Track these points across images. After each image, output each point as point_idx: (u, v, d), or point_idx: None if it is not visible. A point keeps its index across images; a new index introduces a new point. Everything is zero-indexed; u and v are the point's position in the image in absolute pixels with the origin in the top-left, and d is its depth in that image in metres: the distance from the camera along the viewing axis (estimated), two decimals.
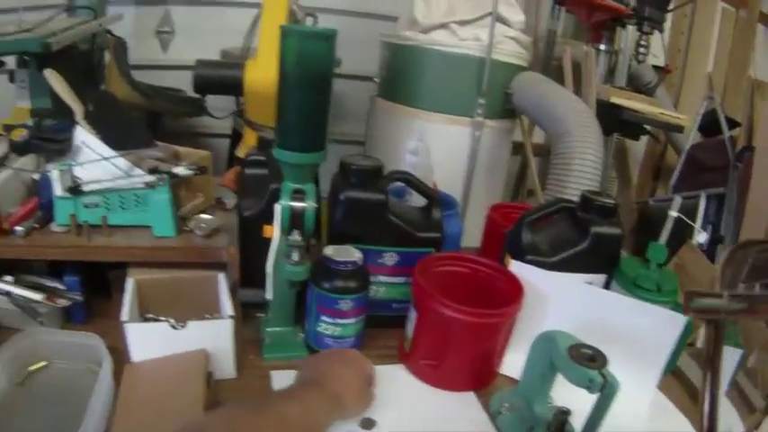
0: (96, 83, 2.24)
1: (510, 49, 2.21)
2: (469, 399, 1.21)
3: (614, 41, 2.95)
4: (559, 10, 2.79)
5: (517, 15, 2.24)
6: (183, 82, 2.53)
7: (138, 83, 2.25)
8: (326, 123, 1.10)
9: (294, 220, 1.15)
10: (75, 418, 0.99)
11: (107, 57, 2.33)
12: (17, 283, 1.32)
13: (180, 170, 1.33)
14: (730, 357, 1.21)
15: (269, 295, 1.20)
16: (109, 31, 2.35)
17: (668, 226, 1.43)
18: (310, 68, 1.04)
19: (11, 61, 1.94)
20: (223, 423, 0.83)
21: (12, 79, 1.94)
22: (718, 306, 0.77)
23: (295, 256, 1.16)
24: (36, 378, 1.18)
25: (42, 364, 1.19)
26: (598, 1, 2.64)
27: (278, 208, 1.13)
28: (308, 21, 1.81)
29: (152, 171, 1.32)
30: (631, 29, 2.87)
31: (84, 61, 2.16)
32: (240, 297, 1.21)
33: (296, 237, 1.15)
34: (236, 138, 2.27)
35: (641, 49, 2.82)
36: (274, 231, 1.15)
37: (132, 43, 2.41)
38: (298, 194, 1.14)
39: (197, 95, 2.15)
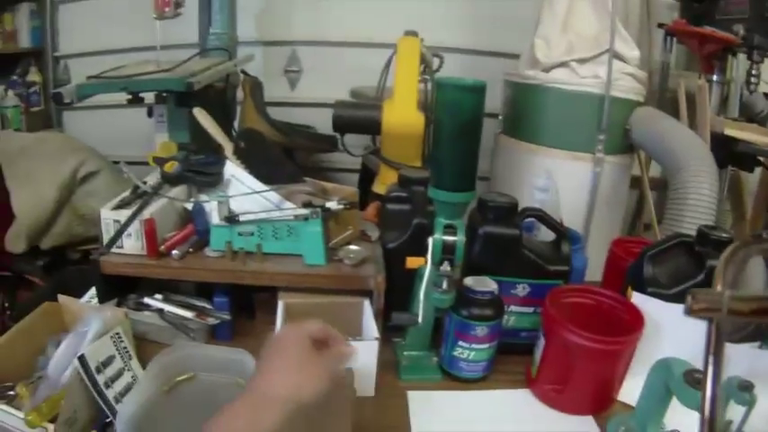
0: (230, 120, 2.37)
1: (627, 86, 2.23)
2: (589, 423, 1.26)
3: (726, 71, 2.91)
4: (671, 42, 2.79)
5: (633, 51, 2.26)
6: (311, 118, 2.66)
7: (273, 119, 2.37)
8: (476, 165, 1.18)
9: (445, 252, 1.23)
10: None
11: (239, 95, 2.47)
12: (166, 301, 1.45)
13: (332, 205, 1.43)
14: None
15: (421, 319, 1.27)
16: (243, 71, 2.48)
17: None
18: (463, 117, 1.13)
19: (148, 97, 2.08)
20: None
21: (150, 114, 2.08)
22: (718, 306, 0.78)
23: (444, 285, 1.25)
24: (183, 388, 1.26)
25: (189, 375, 1.28)
26: (708, 32, 2.62)
27: (431, 241, 1.22)
28: (435, 61, 1.91)
29: (305, 205, 1.43)
30: (742, 58, 2.83)
31: (219, 99, 2.28)
32: (394, 320, 1.28)
33: (446, 267, 1.24)
34: (366, 174, 2.35)
35: (752, 78, 2.77)
36: (427, 262, 1.23)
37: (263, 82, 2.55)
38: (449, 229, 1.23)
39: (329, 133, 2.25)
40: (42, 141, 2.93)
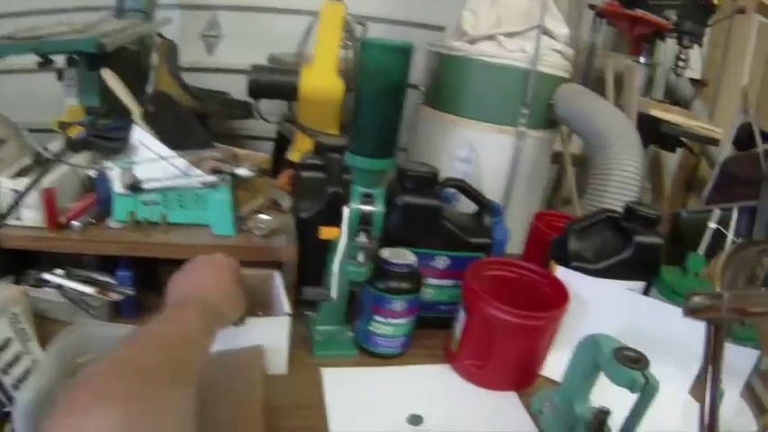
0: (144, 84, 2.28)
1: (554, 62, 2.23)
2: (512, 398, 1.24)
3: (653, 54, 2.95)
4: (600, 23, 2.81)
5: (562, 28, 2.26)
6: (228, 85, 2.58)
7: (187, 85, 2.29)
8: (398, 132, 1.13)
9: (362, 223, 1.18)
10: None
11: (154, 58, 2.37)
12: (68, 276, 1.36)
13: (242, 171, 1.37)
14: (747, 357, 1.23)
15: (334, 294, 1.22)
16: (159, 34, 2.39)
17: (707, 237, 1.45)
18: (387, 79, 1.07)
19: (59, 60, 1.97)
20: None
21: (60, 77, 1.97)
22: (716, 306, 0.78)
23: (360, 258, 1.20)
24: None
25: (92, 356, 1.20)
26: (640, 15, 2.65)
27: (346, 211, 1.16)
28: (359, 29, 1.86)
29: (213, 171, 1.35)
30: (671, 42, 2.87)
31: (133, 62, 2.19)
32: (305, 295, 1.22)
33: (363, 239, 1.18)
34: (282, 142, 2.30)
35: (680, 63, 2.82)
36: (342, 233, 1.18)
37: (178, 46, 2.45)
38: (367, 198, 1.17)
39: (244, 99, 2.19)
40: None
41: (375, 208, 1.17)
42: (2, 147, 2.57)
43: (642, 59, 2.86)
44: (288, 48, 2.48)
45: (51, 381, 1.10)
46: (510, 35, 2.17)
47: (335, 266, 1.20)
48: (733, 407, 1.21)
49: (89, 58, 1.86)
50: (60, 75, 1.97)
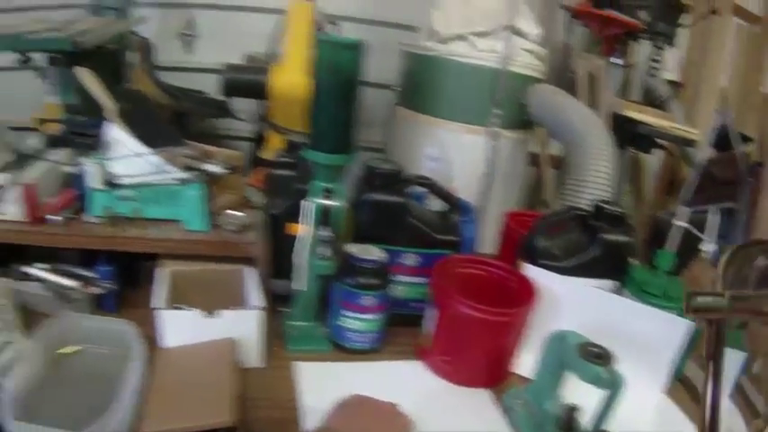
0: (121, 82, 2.28)
1: (526, 62, 2.24)
2: (483, 395, 1.26)
3: (628, 55, 2.98)
4: (573, 23, 2.83)
5: (533, 28, 2.27)
6: (205, 84, 2.57)
7: (164, 83, 2.29)
8: (354, 127, 1.16)
9: (324, 217, 1.20)
10: (104, 400, 1.05)
11: (132, 57, 2.38)
12: (51, 270, 1.38)
13: (213, 168, 1.39)
14: (733, 360, 1.26)
15: (301, 285, 1.25)
16: (134, 32, 2.39)
17: (674, 234, 1.47)
18: (340, 76, 1.10)
19: (38, 58, 1.98)
20: None
21: (42, 76, 1.98)
22: (720, 306, 0.79)
23: (324, 251, 1.22)
24: (68, 361, 1.22)
25: (75, 348, 1.24)
26: (611, 16, 2.67)
27: (309, 205, 1.19)
28: (330, 28, 1.88)
29: (186, 168, 1.38)
30: (645, 43, 2.90)
31: (110, 61, 2.19)
32: (273, 287, 1.25)
33: (325, 233, 1.21)
34: (260, 140, 2.32)
35: (654, 64, 2.85)
36: (305, 227, 1.20)
37: (155, 45, 2.46)
38: (327, 193, 1.20)
39: (221, 98, 2.20)
40: None
41: (335, 202, 1.20)
42: None
43: (616, 60, 2.88)
44: (263, 46, 2.49)
45: (36, 370, 1.14)
46: (481, 35, 2.18)
47: (300, 260, 1.23)
48: (724, 410, 1.24)
49: (68, 57, 1.87)
50: (42, 73, 1.98)
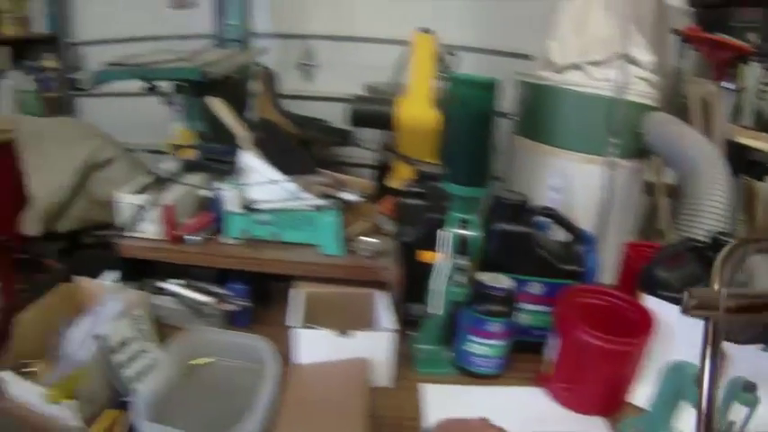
0: (244, 110, 2.38)
1: (641, 90, 2.22)
2: (599, 423, 1.27)
3: (738, 79, 2.91)
4: (686, 48, 2.79)
5: (647, 56, 2.25)
6: (324, 112, 2.67)
7: (287, 112, 2.38)
8: (489, 162, 1.20)
9: (460, 247, 1.25)
10: (233, 411, 1.12)
11: (253, 86, 2.48)
12: (185, 286, 1.47)
13: (350, 196, 1.46)
14: None
15: (437, 310, 1.29)
16: (258, 63, 2.50)
17: None
18: (476, 113, 1.15)
19: (164, 86, 2.09)
20: None
21: (167, 103, 2.09)
22: (716, 303, 0.78)
23: (459, 279, 1.27)
24: (200, 371, 1.30)
25: (208, 359, 1.32)
26: (721, 39, 2.63)
27: (446, 235, 1.24)
28: (450, 59, 1.93)
29: (323, 196, 1.44)
30: (755, 66, 2.83)
31: (234, 90, 2.29)
32: (411, 311, 1.30)
33: (461, 261, 1.26)
34: (382, 169, 2.37)
35: (765, 87, 2.78)
36: (441, 256, 1.25)
37: (277, 74, 2.56)
38: (464, 223, 1.25)
39: (343, 126, 2.27)
40: (59, 126, 2.95)
41: (471, 232, 1.24)
42: (112, 163, 2.76)
43: (727, 85, 2.82)
44: (380, 76, 2.53)
45: (169, 378, 1.23)
46: (596, 64, 2.19)
47: (437, 286, 1.27)
48: None
49: (194, 86, 1.98)
50: (168, 100, 2.09)
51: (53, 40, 3.55)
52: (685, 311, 0.78)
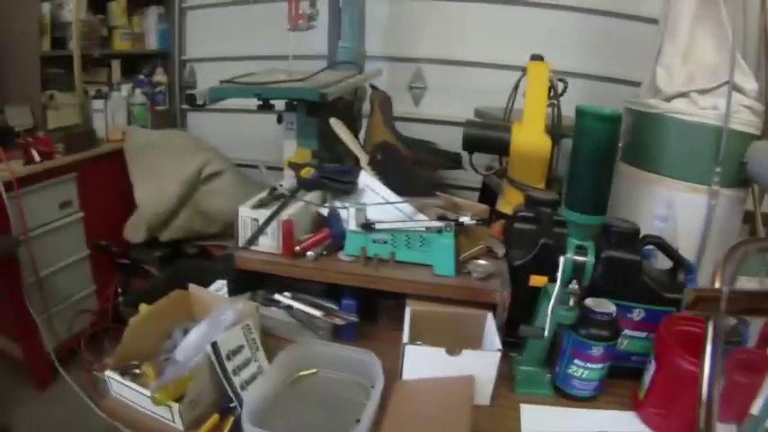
0: (356, 131, 2.44)
1: (745, 118, 2.20)
2: None
3: None
4: None
5: (751, 83, 2.24)
6: (433, 135, 2.72)
7: (401, 134, 2.44)
8: (609, 191, 1.24)
9: (574, 272, 1.30)
10: (336, 421, 1.20)
11: (365, 107, 2.55)
12: (294, 299, 1.56)
13: (465, 220, 1.52)
14: None
15: (547, 333, 1.33)
16: (372, 85, 2.57)
17: None
18: (599, 144, 1.20)
19: (278, 104, 2.17)
20: None
21: (279, 121, 2.18)
22: (717, 303, 0.80)
23: (570, 303, 1.32)
24: (305, 381, 1.38)
25: (313, 370, 1.39)
26: None
27: (562, 260, 1.29)
28: (560, 86, 1.97)
29: (439, 218, 1.51)
30: None
31: (347, 111, 2.37)
32: (522, 332, 1.35)
33: (574, 286, 1.31)
34: (486, 192, 2.45)
35: None
36: (557, 280, 1.30)
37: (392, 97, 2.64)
38: (580, 250, 1.29)
39: (453, 150, 2.31)
40: (167, 138, 3.12)
41: (587, 259, 1.29)
42: (219, 177, 2.90)
43: None
44: (487, 101, 2.58)
45: (276, 386, 1.31)
46: (702, 92, 2.19)
47: (549, 309, 1.31)
48: None
49: (309, 105, 2.06)
50: (280, 119, 2.18)
51: (165, 55, 3.75)
52: (686, 309, 0.79)
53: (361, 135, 2.50)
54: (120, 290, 3.14)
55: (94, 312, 3.09)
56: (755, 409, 1.18)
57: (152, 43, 3.72)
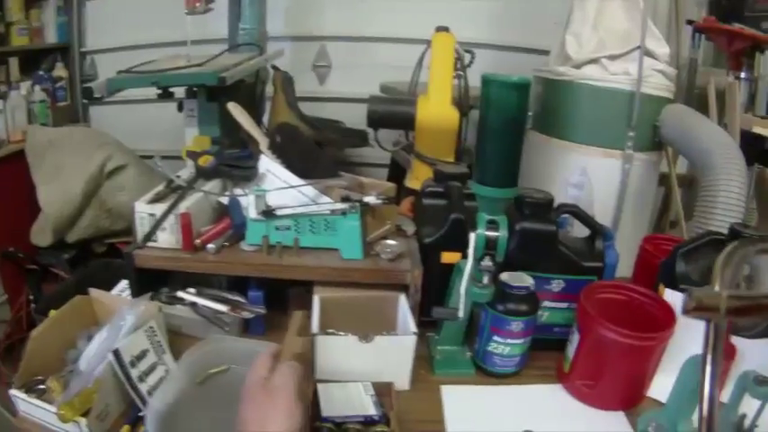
0: (259, 115, 2.38)
1: (657, 82, 2.22)
2: (620, 418, 1.27)
3: (754, 69, 2.89)
4: (699, 39, 2.78)
5: (663, 48, 2.24)
6: (340, 113, 2.67)
7: (304, 115, 2.38)
8: (519, 162, 1.19)
9: (487, 248, 1.24)
10: None
11: (268, 89, 2.49)
12: (199, 295, 1.46)
13: (370, 199, 1.45)
14: None
15: (461, 314, 1.28)
16: (274, 66, 2.50)
17: None
18: (508, 114, 1.14)
19: (178, 92, 2.09)
20: None
21: (180, 108, 2.09)
22: (717, 304, 0.77)
23: (485, 280, 1.26)
24: (215, 381, 1.29)
25: (222, 367, 1.30)
26: (737, 29, 2.61)
27: (473, 236, 1.22)
28: (467, 57, 1.92)
29: (343, 199, 1.44)
30: None
31: (249, 94, 2.30)
32: (435, 314, 1.29)
33: (488, 262, 1.25)
34: (395, 169, 2.37)
35: None
36: (468, 257, 1.23)
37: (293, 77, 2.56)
38: (491, 225, 1.23)
39: (359, 128, 2.26)
40: (69, 135, 2.96)
41: (499, 233, 1.23)
42: (123, 171, 2.76)
43: (743, 74, 2.80)
44: (394, 76, 2.55)
45: (183, 388, 1.21)
46: (613, 58, 2.18)
47: (462, 288, 1.25)
48: None
49: (209, 91, 1.98)
50: (180, 106, 2.09)
51: (64, 49, 3.59)
52: (685, 313, 0.77)
53: (266, 118, 2.42)
54: (31, 297, 2.99)
55: (8, 323, 2.92)
56: (725, 396, 1.17)
57: (51, 37, 3.58)
